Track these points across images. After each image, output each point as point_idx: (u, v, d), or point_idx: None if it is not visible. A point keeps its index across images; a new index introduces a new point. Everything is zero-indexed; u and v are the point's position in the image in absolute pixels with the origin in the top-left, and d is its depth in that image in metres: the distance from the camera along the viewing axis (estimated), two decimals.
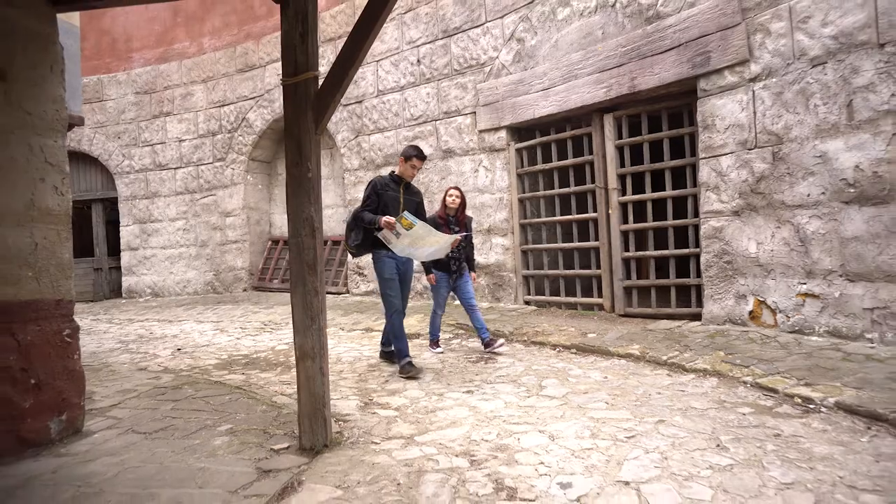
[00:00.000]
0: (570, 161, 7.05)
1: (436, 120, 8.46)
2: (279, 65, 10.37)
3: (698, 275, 5.89)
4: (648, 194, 6.35)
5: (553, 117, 7.10)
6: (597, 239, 6.84)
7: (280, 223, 11.56)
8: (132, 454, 3.18)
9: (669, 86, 5.92)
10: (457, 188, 5.62)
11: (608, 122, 6.60)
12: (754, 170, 5.21)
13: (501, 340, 5.60)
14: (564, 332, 5.98)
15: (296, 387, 3.30)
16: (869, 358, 4.15)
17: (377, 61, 9.16)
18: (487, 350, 5.48)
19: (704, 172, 5.63)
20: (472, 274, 5.68)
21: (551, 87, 7.02)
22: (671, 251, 6.19)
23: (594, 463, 2.84)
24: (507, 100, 7.57)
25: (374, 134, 9.34)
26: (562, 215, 7.33)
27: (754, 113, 5.19)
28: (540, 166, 7.41)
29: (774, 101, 5.03)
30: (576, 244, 7.16)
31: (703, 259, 5.69)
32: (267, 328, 7.87)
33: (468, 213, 6.76)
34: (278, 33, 9.82)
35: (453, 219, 5.55)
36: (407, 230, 4.58)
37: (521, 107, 7.41)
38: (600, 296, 6.83)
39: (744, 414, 3.49)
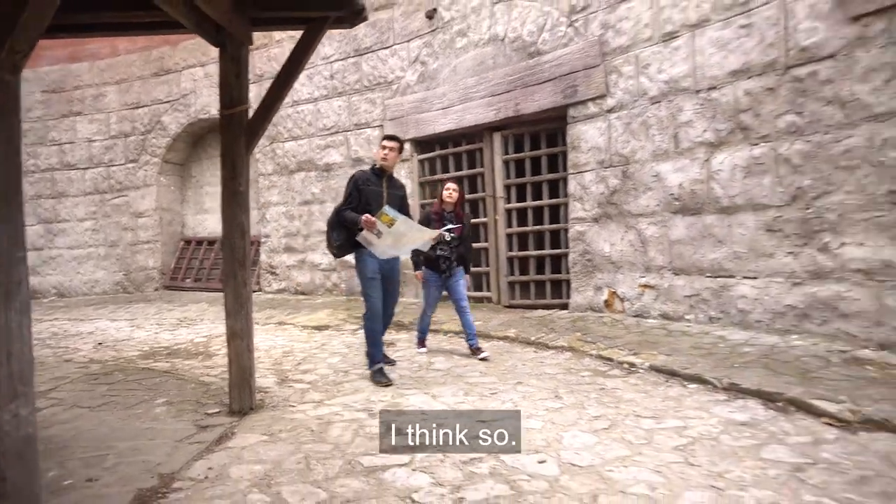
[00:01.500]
0: (465, 172, 8.03)
1: (347, 131, 9.22)
2: (196, 70, 10.81)
3: (567, 271, 7.02)
4: (529, 202, 7.43)
5: (451, 133, 8.06)
6: (486, 241, 7.86)
7: (193, 224, 11.90)
8: (83, 422, 3.78)
9: (547, 111, 7.01)
10: (454, 181, 5.34)
11: (497, 139, 7.63)
12: (609, 185, 6.37)
13: (486, 353, 5.24)
14: (456, 321, 6.91)
15: (220, 370, 4.04)
16: (684, 334, 5.35)
17: None
18: (474, 356, 5.23)
19: (572, 185, 6.76)
20: (466, 276, 5.42)
21: (450, 106, 7.98)
22: (547, 251, 7.29)
23: (464, 407, 3.76)
24: (411, 115, 8.45)
25: (288, 141, 9.96)
26: None
27: (609, 138, 6.35)
28: (439, 176, 8.35)
29: (624, 130, 6.20)
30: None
31: (570, 258, 6.82)
32: (184, 324, 8.34)
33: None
34: (197, 39, 10.25)
35: (450, 214, 5.22)
36: (389, 227, 4.31)
37: (423, 122, 8.32)
38: (489, 290, 7.85)
39: (583, 376, 4.53)
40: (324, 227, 9.45)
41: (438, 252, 5.14)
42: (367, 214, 4.37)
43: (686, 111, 5.63)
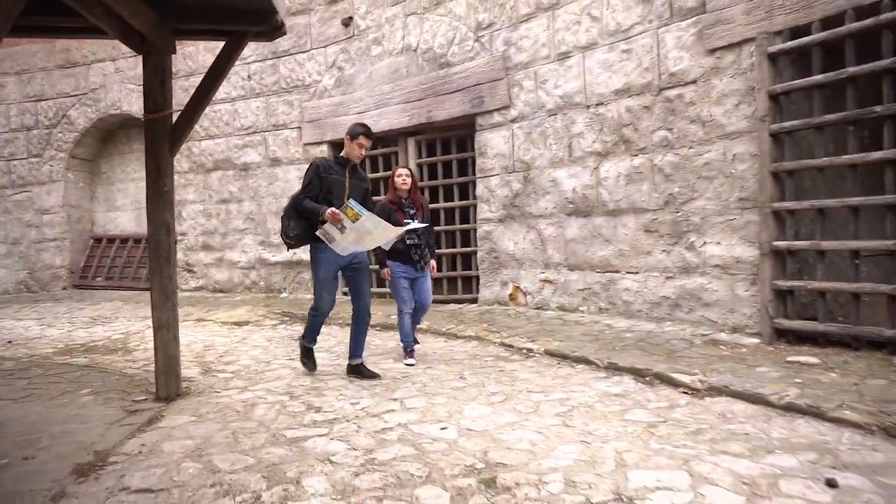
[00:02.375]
0: (381, 174, 8.43)
1: (265, 131, 9.41)
2: (106, 64, 10.62)
3: (476, 268, 7.58)
4: (442, 204, 7.94)
5: None
6: None
7: (103, 221, 11.64)
8: (8, 412, 3.92)
9: (457, 119, 7.53)
10: (406, 167, 5.20)
11: (411, 143, 8.09)
12: (512, 188, 6.97)
13: (413, 360, 5.02)
14: (380, 313, 7.32)
15: (142, 363, 4.29)
16: (577, 323, 6.00)
17: None
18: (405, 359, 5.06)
19: (480, 188, 7.32)
20: (433, 263, 5.17)
21: (366, 111, 8.36)
22: (458, 249, 7.83)
23: (377, 392, 4.20)
24: (328, 118, 8.77)
25: (204, 140, 10.00)
26: None
27: (513, 146, 6.95)
28: None
29: (526, 138, 6.81)
30: None
31: (479, 255, 7.38)
32: (98, 322, 8.29)
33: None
34: None
35: (407, 202, 5.03)
36: (353, 222, 4.01)
37: (341, 125, 8.63)
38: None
39: (486, 360, 5.07)
40: (242, 225, 9.67)
41: (408, 241, 4.86)
42: (331, 208, 4.07)
43: (578, 123, 6.29)
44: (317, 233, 4.15)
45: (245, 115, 9.59)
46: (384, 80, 8.22)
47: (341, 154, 4.54)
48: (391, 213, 4.86)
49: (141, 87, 4.30)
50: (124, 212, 11.38)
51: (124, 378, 4.78)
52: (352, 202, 4.04)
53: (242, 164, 9.64)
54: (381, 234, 4.18)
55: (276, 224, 9.30)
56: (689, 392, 3.91)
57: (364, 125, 4.53)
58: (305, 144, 9.04)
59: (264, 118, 9.43)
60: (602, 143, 6.10)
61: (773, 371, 4.06)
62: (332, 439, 3.26)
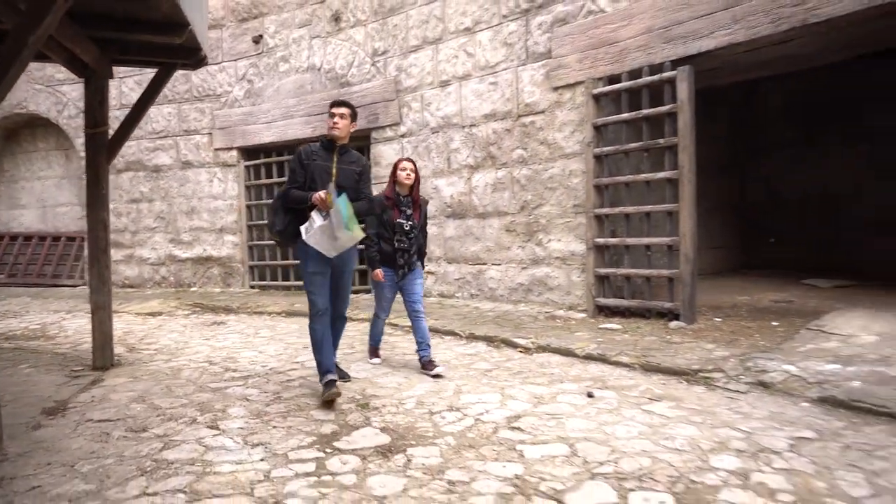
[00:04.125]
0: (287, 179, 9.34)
1: (177, 136, 10.07)
2: None
3: None
4: None
5: (275, 144, 9.34)
6: None
7: (6, 219, 11.76)
8: None
9: (355, 132, 8.56)
10: (410, 160, 4.59)
11: None
12: None
13: (441, 368, 4.46)
14: (279, 304, 8.27)
15: (69, 345, 5.08)
16: (453, 306, 7.24)
17: (121, 78, 10.34)
18: (424, 371, 4.50)
19: (375, 194, 8.43)
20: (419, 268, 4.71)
21: (273, 121, 9.25)
22: (360, 247, 8.89)
23: (282, 358, 5.22)
24: (238, 126, 9.58)
25: None
26: None
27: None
28: (264, 181, 9.58)
29: (413, 151, 7.99)
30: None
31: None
32: (9, 315, 8.67)
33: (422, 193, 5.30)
34: None
35: (405, 199, 4.53)
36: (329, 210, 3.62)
37: (250, 133, 9.49)
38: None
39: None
40: (153, 223, 10.30)
41: (397, 244, 4.48)
42: (318, 192, 3.68)
43: (455, 141, 7.54)
44: (303, 232, 3.73)
45: (157, 120, 10.18)
46: (290, 94, 9.15)
47: (328, 137, 4.00)
48: (385, 210, 4.48)
49: (48, 88, 5.08)
50: (29, 210, 11.58)
51: (57, 356, 5.52)
52: (331, 188, 3.65)
53: (154, 165, 10.23)
54: (345, 234, 3.68)
55: (186, 223, 10.02)
56: (523, 350, 5.20)
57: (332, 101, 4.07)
58: (216, 150, 9.80)
59: (176, 123, 10.08)
60: (474, 157, 7.37)
61: (586, 335, 5.43)
62: (247, 388, 4.27)
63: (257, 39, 9.50)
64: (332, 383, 3.81)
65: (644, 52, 5.76)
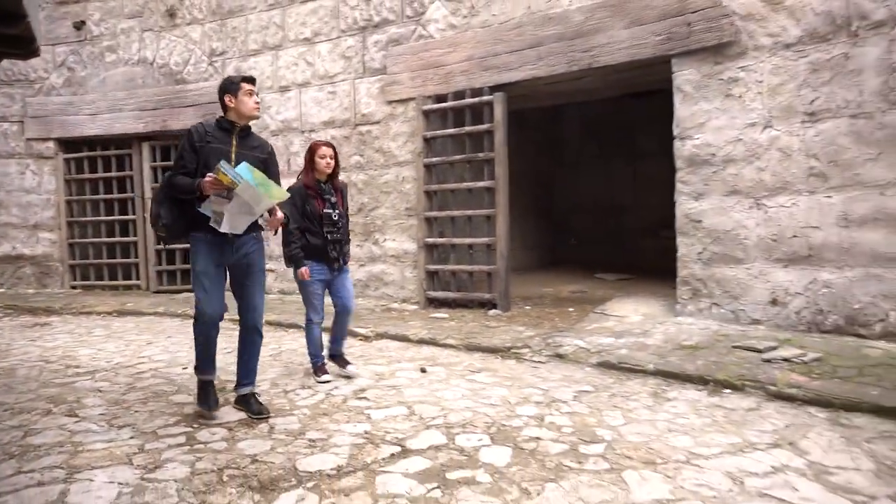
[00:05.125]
0: (114, 174, 9.02)
1: None
2: None
3: None
4: None
5: (101, 137, 8.95)
6: (136, 235, 9.02)
7: None
8: None
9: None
10: (329, 145, 4.17)
11: (146, 147, 8.86)
12: None
13: (328, 377, 4.25)
14: (108, 304, 8.01)
15: None
16: (293, 302, 7.59)
17: None
18: (335, 362, 4.44)
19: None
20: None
21: (99, 113, 8.87)
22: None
23: (126, 354, 5.30)
24: (57, 116, 9.02)
25: None
26: (107, 216, 9.21)
27: None
28: (87, 175, 9.13)
29: None
30: (118, 239, 9.16)
31: None
32: None
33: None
34: None
35: (326, 186, 4.16)
36: (236, 192, 3.09)
37: (71, 124, 8.99)
38: (138, 279, 9.03)
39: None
40: None
41: (328, 235, 4.10)
42: (207, 176, 3.12)
43: (295, 144, 7.92)
44: (202, 209, 3.24)
45: None
46: (119, 86, 8.85)
47: (224, 116, 3.43)
48: (307, 201, 4.09)
49: None
50: None
51: None
52: (223, 164, 3.04)
53: None
54: (263, 203, 3.25)
55: None
56: (363, 339, 5.79)
57: (240, 75, 3.49)
58: (29, 139, 9.12)
59: None
60: None
61: (419, 323, 6.16)
62: (96, 381, 4.39)
63: (79, 25, 9.03)
64: (206, 387, 3.60)
65: (467, 76, 6.64)
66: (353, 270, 7.63)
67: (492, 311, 6.45)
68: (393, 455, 2.91)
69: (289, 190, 3.77)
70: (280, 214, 3.47)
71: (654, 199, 9.47)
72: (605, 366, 4.39)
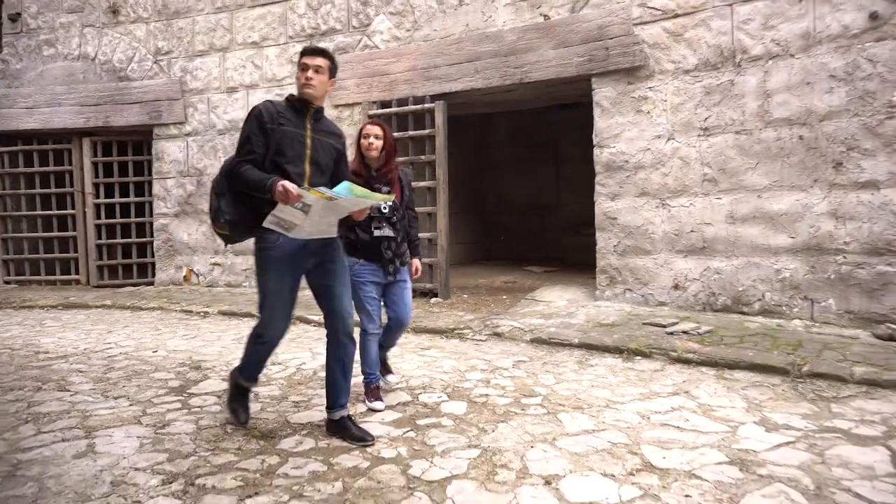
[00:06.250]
0: (52, 168, 9.00)
1: None
2: None
3: (153, 255, 8.89)
4: (117, 199, 8.99)
5: (38, 132, 8.92)
6: (75, 230, 9.04)
7: None
8: None
9: (134, 127, 8.72)
10: (378, 123, 3.58)
11: (86, 143, 8.91)
12: (187, 189, 8.56)
13: (381, 404, 3.54)
14: (50, 298, 8.06)
15: None
16: (242, 294, 7.95)
17: None
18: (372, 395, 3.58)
19: (157, 188, 8.69)
20: (416, 263, 3.79)
21: (36, 107, 8.84)
22: (134, 240, 9.00)
23: (89, 341, 5.56)
24: None
25: None
26: (43, 210, 9.16)
27: (188, 155, 8.53)
28: (23, 169, 9.06)
29: (199, 150, 8.47)
30: (56, 234, 9.14)
31: (155, 245, 8.74)
32: None
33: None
34: None
35: (376, 174, 3.52)
36: (326, 202, 2.61)
37: (5, 117, 8.90)
38: (78, 273, 9.06)
39: (174, 320, 6.69)
40: None
41: (375, 231, 3.47)
42: (284, 181, 2.62)
43: None
44: (266, 223, 2.67)
45: None
46: (58, 81, 8.85)
47: (295, 94, 2.98)
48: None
49: None
50: None
51: None
52: (323, 189, 2.62)
53: None
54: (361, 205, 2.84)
55: None
56: (315, 324, 6.27)
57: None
58: None
59: None
60: None
61: None
62: (72, 364, 4.69)
63: (14, 17, 8.96)
64: (243, 393, 3.22)
65: (410, 85, 7.23)
66: None
67: (433, 300, 7.07)
68: (368, 411, 3.48)
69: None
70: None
71: (575, 200, 10.40)
72: (538, 341, 5.10)
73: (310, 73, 2.89)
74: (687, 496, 2.35)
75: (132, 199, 8.98)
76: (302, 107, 2.93)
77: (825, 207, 5.14)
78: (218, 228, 2.95)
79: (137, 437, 3.08)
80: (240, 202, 2.83)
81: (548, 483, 2.50)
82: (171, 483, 2.54)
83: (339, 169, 3.07)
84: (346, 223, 3.06)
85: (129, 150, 9.00)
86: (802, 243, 5.25)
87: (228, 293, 8.10)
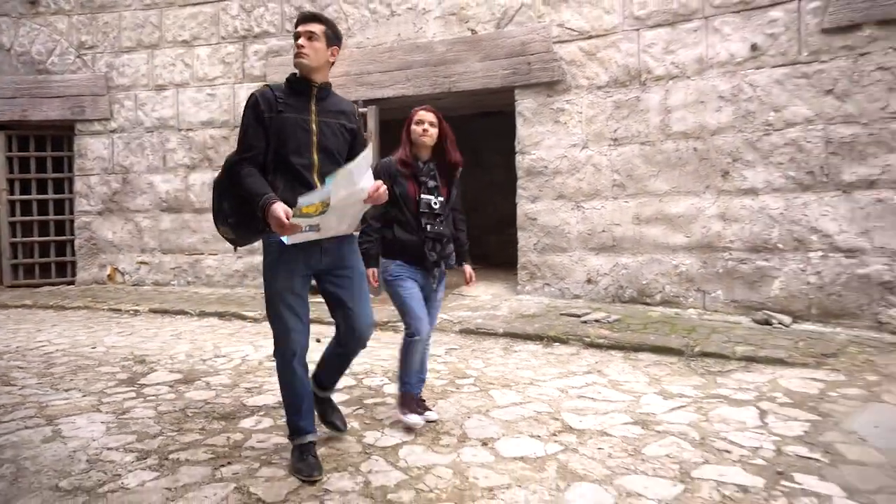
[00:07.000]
0: None
1: None
2: None
3: (73, 254, 8.69)
4: (34, 196, 8.72)
5: None
6: None
7: None
8: None
9: (54, 122, 8.51)
10: (430, 109, 3.18)
11: (1, 137, 8.59)
12: (112, 187, 8.45)
13: (420, 419, 3.15)
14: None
15: None
16: (171, 292, 7.96)
17: None
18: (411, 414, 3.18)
19: (79, 185, 8.52)
20: (468, 269, 3.47)
21: None
22: (52, 238, 8.76)
23: (19, 339, 5.52)
24: None
25: None
26: None
27: (113, 152, 8.42)
28: None
29: (125, 147, 8.38)
30: None
31: (76, 243, 8.56)
32: None
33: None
34: None
35: (427, 166, 3.17)
36: (321, 213, 2.38)
37: None
38: None
39: (103, 318, 6.66)
40: None
41: (427, 226, 3.10)
42: (279, 209, 2.30)
43: (172, 141, 8.25)
44: (288, 242, 2.41)
45: None
46: None
47: (300, 73, 2.65)
48: (397, 182, 3.10)
49: None
50: None
51: None
52: (301, 199, 2.33)
53: None
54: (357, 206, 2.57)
55: None
56: (252, 321, 6.46)
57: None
58: None
59: None
60: (191, 158, 8.21)
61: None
62: (8, 361, 4.71)
63: None
64: (310, 449, 2.62)
65: (343, 90, 7.49)
66: (232, 262, 8.18)
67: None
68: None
69: (374, 168, 2.83)
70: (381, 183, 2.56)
71: (498, 202, 10.99)
72: (466, 332, 5.55)
73: (301, 41, 2.57)
74: (599, 448, 2.85)
75: (50, 195, 8.74)
76: (302, 87, 2.62)
77: (715, 210, 5.88)
78: (222, 231, 2.69)
79: (102, 422, 3.27)
80: (245, 203, 2.47)
81: (485, 444, 2.93)
82: (145, 459, 2.79)
83: (356, 152, 2.64)
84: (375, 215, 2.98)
85: (47, 146, 8.75)
86: (696, 242, 5.98)
87: (157, 292, 8.08)
